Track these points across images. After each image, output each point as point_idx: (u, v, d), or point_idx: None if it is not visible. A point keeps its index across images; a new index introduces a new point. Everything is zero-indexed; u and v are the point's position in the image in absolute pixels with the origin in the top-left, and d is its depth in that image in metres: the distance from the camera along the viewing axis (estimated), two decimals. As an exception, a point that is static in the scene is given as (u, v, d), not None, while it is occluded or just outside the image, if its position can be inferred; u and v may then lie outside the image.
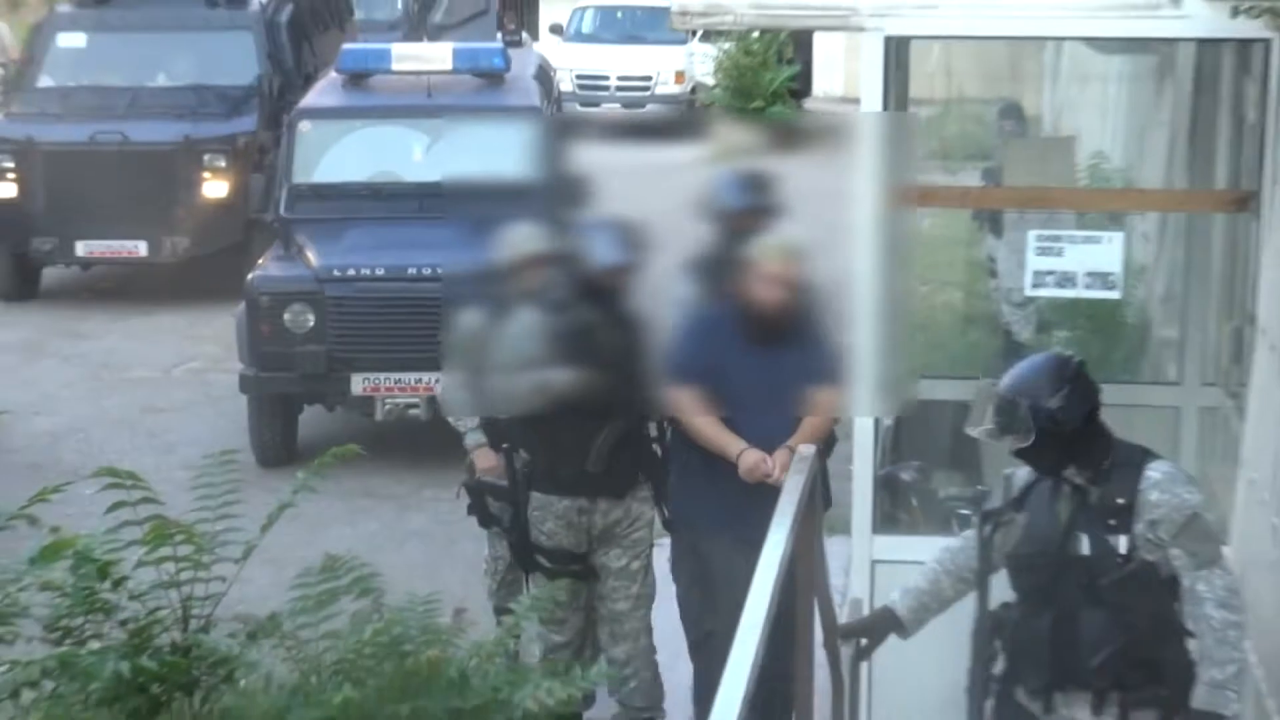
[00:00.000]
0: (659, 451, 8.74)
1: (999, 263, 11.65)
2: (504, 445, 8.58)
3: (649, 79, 30.83)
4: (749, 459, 7.71)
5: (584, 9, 33.80)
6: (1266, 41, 7.13)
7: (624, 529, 8.44)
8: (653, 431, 8.73)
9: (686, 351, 7.78)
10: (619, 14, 32.83)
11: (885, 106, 8.05)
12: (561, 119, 14.64)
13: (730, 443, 7.83)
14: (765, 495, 6.93)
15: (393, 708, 6.01)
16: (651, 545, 8.68)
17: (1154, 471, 6.19)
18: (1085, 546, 6.25)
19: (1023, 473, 6.50)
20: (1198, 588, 6.06)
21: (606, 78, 30.74)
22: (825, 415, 7.93)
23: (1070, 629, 6.23)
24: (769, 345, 7.69)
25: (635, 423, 8.37)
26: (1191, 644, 6.11)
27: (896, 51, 7.99)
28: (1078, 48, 10.40)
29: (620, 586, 8.44)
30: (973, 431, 6.40)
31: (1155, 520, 6.08)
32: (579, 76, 29.84)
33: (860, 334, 7.17)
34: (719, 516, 8.00)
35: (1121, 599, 6.16)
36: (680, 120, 31.08)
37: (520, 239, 8.50)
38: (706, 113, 29.98)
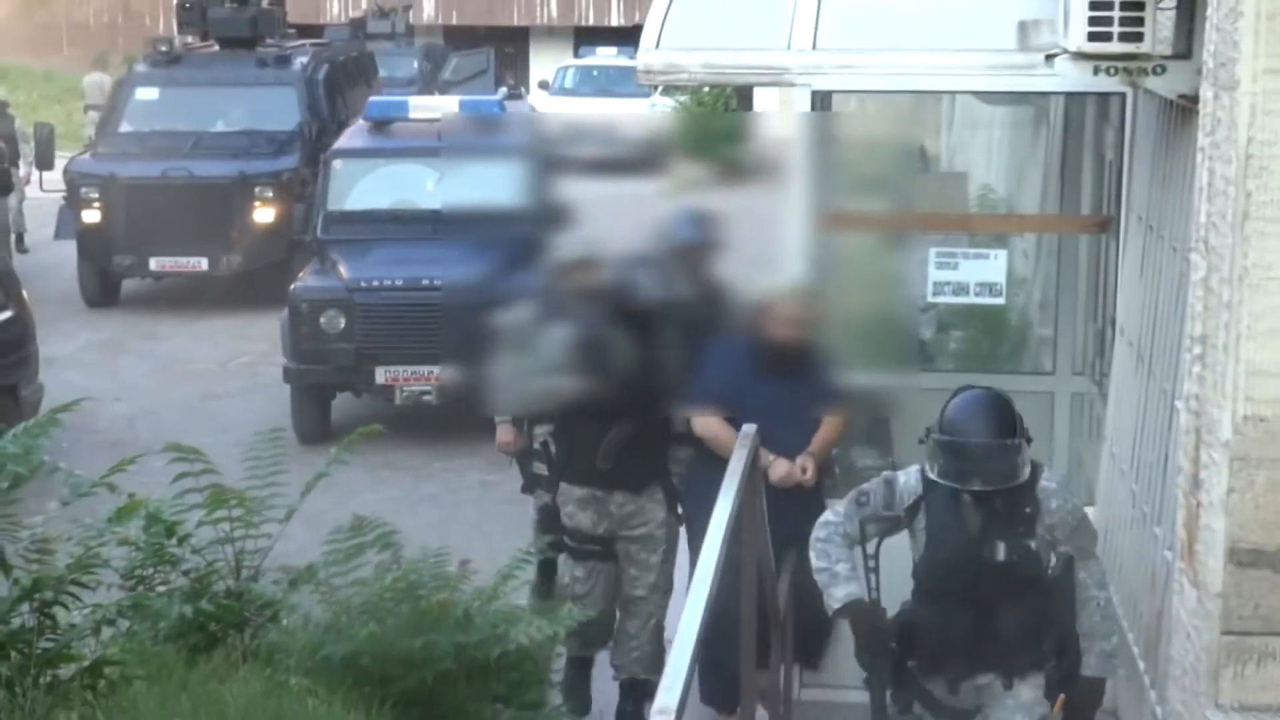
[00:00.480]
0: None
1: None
2: (538, 438, 8.07)
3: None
4: (781, 468, 7.27)
5: (566, 68, 34.22)
6: (1122, 95, 7.14)
7: (638, 522, 7.73)
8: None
9: (710, 379, 7.37)
10: (594, 72, 33.10)
11: (814, 145, 8.03)
12: (547, 158, 14.60)
13: (760, 455, 6.90)
14: (790, 497, 7.12)
15: (408, 641, 5.99)
16: (670, 544, 7.84)
17: (1049, 482, 5.99)
18: (1002, 553, 5.96)
19: (910, 481, 6.16)
20: (1082, 576, 5.97)
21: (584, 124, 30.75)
22: (834, 426, 7.55)
23: (989, 624, 6.00)
24: (783, 375, 7.23)
25: (644, 427, 7.71)
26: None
27: (821, 103, 7.96)
28: (969, 100, 10.39)
29: (638, 576, 7.78)
30: (976, 488, 5.89)
31: (1053, 524, 5.90)
32: (563, 123, 29.77)
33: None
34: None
35: (1040, 594, 5.97)
36: (645, 157, 31.16)
37: (578, 242, 8.15)
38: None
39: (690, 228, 7.28)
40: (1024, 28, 7.43)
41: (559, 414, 7.66)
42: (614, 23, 38.33)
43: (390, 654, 5.93)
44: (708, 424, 7.44)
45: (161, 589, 6.28)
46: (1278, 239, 4.57)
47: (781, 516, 6.76)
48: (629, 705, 7.92)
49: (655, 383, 7.37)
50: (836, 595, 6.18)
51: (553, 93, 32.75)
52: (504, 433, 8.54)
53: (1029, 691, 6.07)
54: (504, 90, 19.58)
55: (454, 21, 38.83)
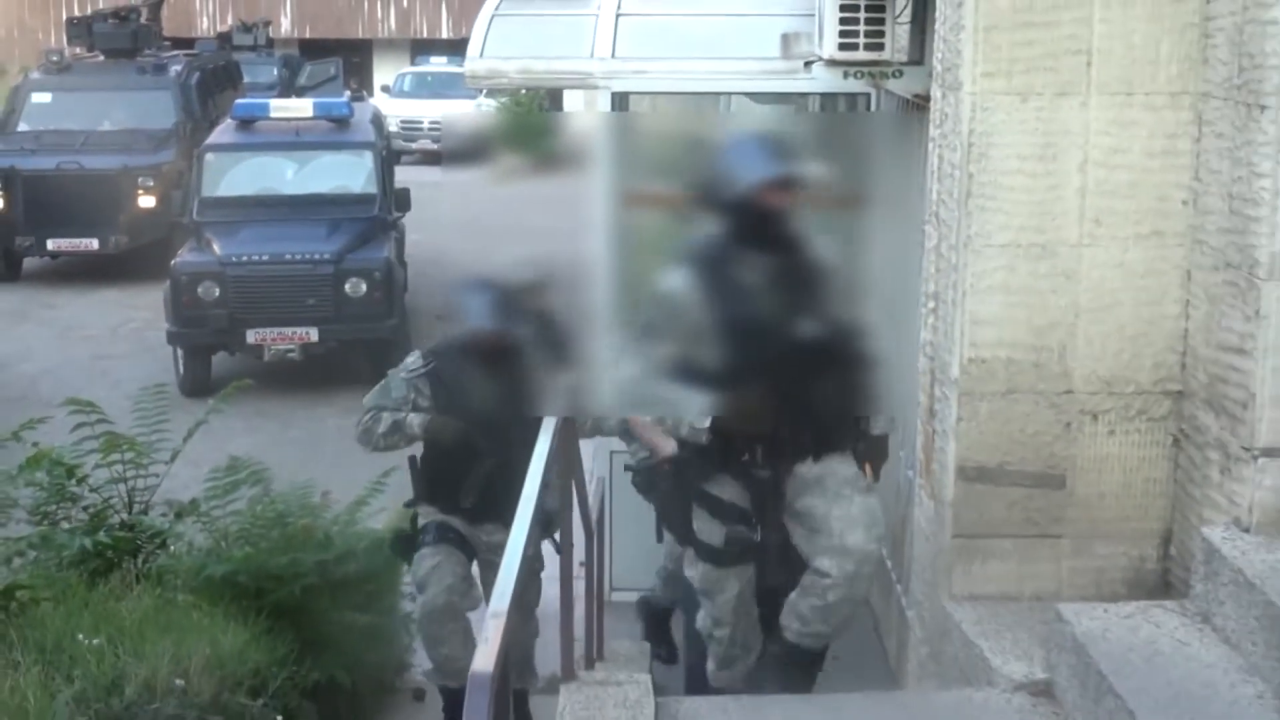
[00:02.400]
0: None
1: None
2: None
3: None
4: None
5: (404, 74, 34.00)
6: (868, 94, 7.23)
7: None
8: None
9: None
10: (428, 78, 32.85)
11: (615, 138, 8.05)
12: (378, 150, 14.73)
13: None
14: None
15: (278, 560, 5.97)
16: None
17: None
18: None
19: None
20: None
21: (420, 122, 30.79)
22: None
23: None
24: None
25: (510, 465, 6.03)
26: None
27: (620, 103, 7.99)
28: (741, 99, 10.46)
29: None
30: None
31: None
32: (402, 122, 29.80)
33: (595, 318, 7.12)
34: None
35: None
36: (472, 150, 31.02)
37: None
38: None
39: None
40: (786, 39, 7.50)
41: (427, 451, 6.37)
42: (445, 35, 37.99)
43: (263, 572, 5.91)
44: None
45: (64, 524, 6.22)
46: (994, 213, 4.65)
47: None
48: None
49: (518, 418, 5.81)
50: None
51: (393, 95, 32.57)
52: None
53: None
54: (349, 93, 19.40)
55: (308, 35, 38.31)
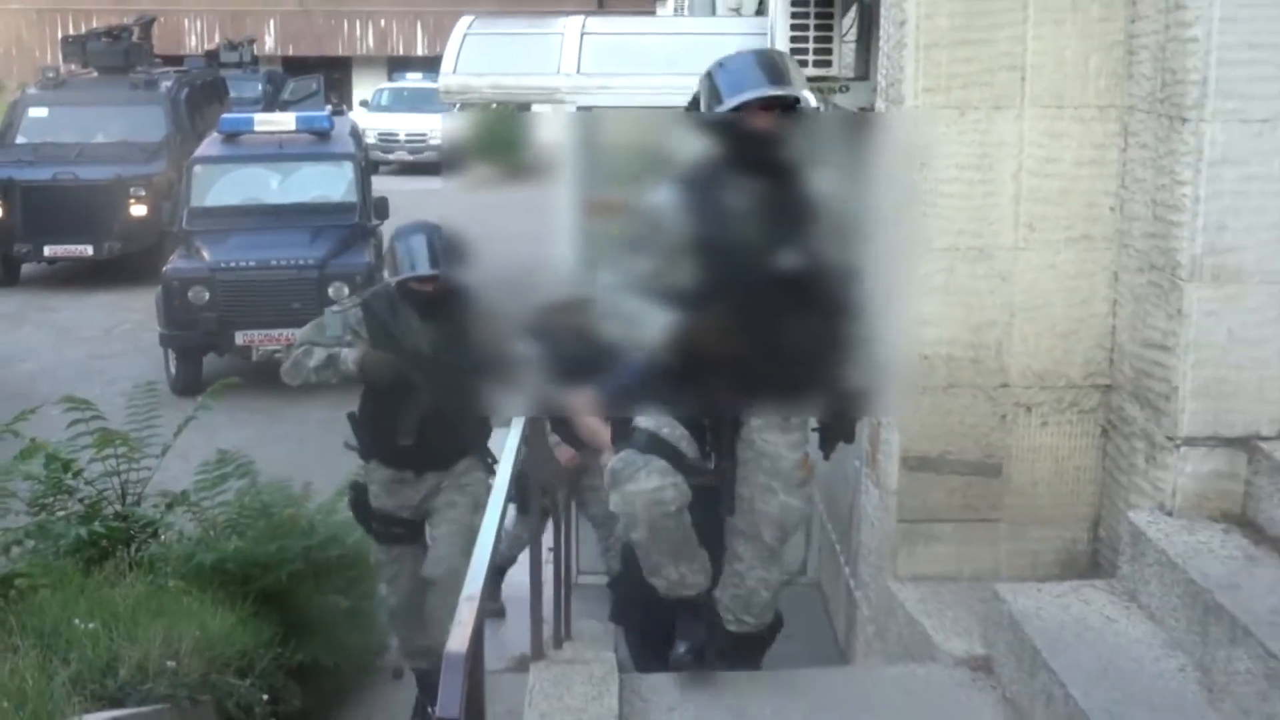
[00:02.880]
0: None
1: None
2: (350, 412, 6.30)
3: (425, 134, 31.07)
4: None
5: (382, 90, 33.93)
6: (817, 108, 7.23)
7: (452, 480, 6.09)
8: None
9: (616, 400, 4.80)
10: (405, 93, 32.75)
11: (579, 149, 8.04)
12: (358, 161, 14.68)
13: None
14: None
15: (264, 548, 5.96)
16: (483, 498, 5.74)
17: None
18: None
19: None
20: None
21: (397, 134, 30.85)
22: None
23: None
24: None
25: (445, 407, 5.88)
26: None
27: (588, 116, 8.02)
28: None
29: (445, 517, 6.08)
30: None
31: None
32: (380, 134, 29.81)
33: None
34: None
35: None
36: (446, 160, 31.04)
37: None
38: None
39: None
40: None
41: (367, 388, 6.14)
42: (420, 53, 37.85)
43: (250, 559, 5.89)
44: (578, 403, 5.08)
45: (61, 514, 6.18)
46: (934, 219, 4.67)
47: None
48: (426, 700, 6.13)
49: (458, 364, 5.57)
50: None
51: (371, 110, 32.50)
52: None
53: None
54: (329, 108, 19.35)
55: (290, 53, 38.14)
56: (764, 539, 4.46)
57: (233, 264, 13.15)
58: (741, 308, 4.00)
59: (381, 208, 14.57)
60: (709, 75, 4.30)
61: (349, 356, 5.94)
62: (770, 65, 4.26)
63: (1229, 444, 4.25)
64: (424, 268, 5.90)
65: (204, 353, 13.31)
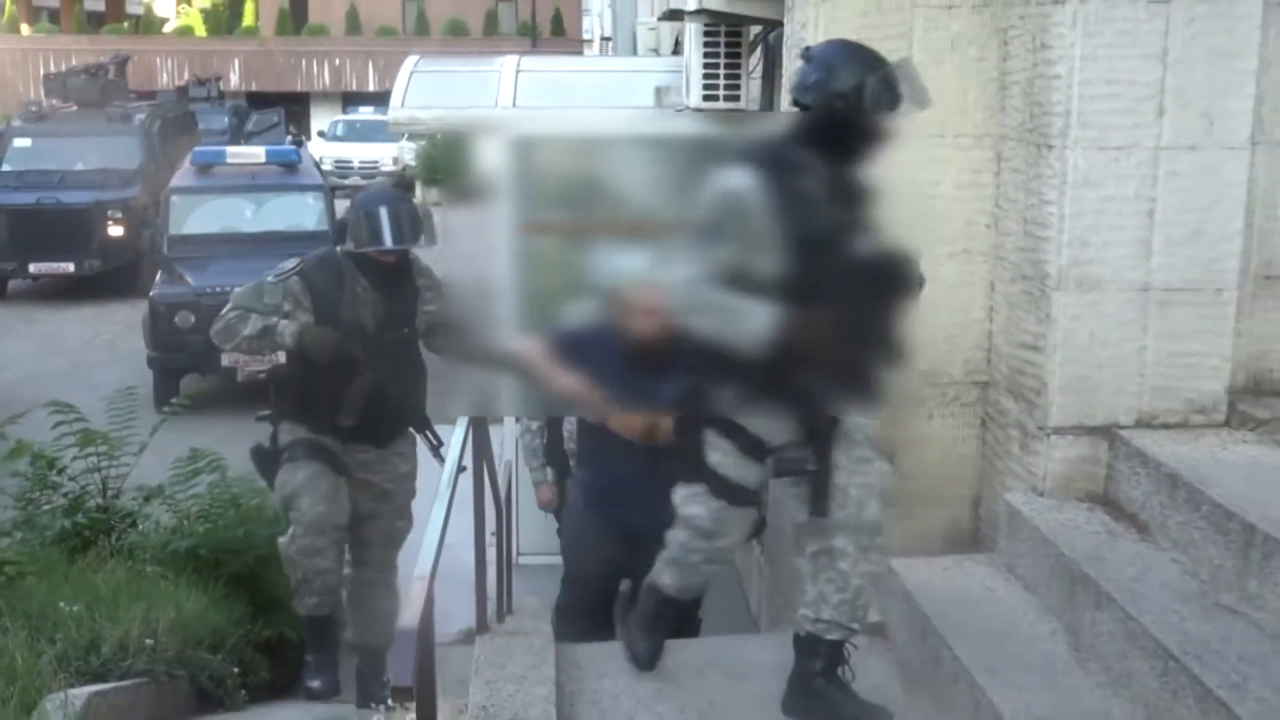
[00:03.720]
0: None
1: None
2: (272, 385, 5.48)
3: (377, 162, 31.16)
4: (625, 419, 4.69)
5: (338, 121, 33.82)
6: (728, 137, 7.27)
7: (382, 468, 5.32)
8: None
9: (568, 355, 4.44)
10: (358, 124, 32.61)
11: (514, 175, 8.04)
12: (326, 191, 14.43)
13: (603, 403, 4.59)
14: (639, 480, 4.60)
15: (233, 534, 5.88)
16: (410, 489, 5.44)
17: None
18: None
19: None
20: None
21: (352, 162, 30.76)
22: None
23: None
24: (646, 371, 4.40)
25: (389, 384, 5.15)
26: None
27: (522, 145, 7.99)
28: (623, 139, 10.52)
29: (379, 520, 5.37)
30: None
31: None
32: (336, 161, 29.68)
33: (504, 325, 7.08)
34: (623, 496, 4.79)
35: None
36: (398, 185, 31.01)
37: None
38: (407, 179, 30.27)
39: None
40: (659, 91, 7.53)
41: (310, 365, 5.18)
42: (371, 88, 37.60)
43: (221, 545, 5.83)
44: (535, 354, 4.43)
45: (46, 508, 6.08)
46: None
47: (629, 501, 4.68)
48: (364, 668, 5.53)
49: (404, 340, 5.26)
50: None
51: (327, 139, 32.37)
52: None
53: None
54: (289, 138, 19.17)
55: (253, 88, 37.79)
56: (866, 518, 3.76)
57: (218, 289, 12.19)
58: (841, 301, 3.50)
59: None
60: (811, 59, 3.61)
61: (286, 330, 5.08)
62: (872, 58, 3.61)
63: (1092, 432, 4.31)
64: (389, 241, 5.10)
65: (187, 373, 12.81)
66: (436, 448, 5.27)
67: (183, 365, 12.67)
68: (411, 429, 5.41)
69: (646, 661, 4.17)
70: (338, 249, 5.29)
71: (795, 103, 3.58)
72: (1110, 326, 4.23)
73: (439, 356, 5.26)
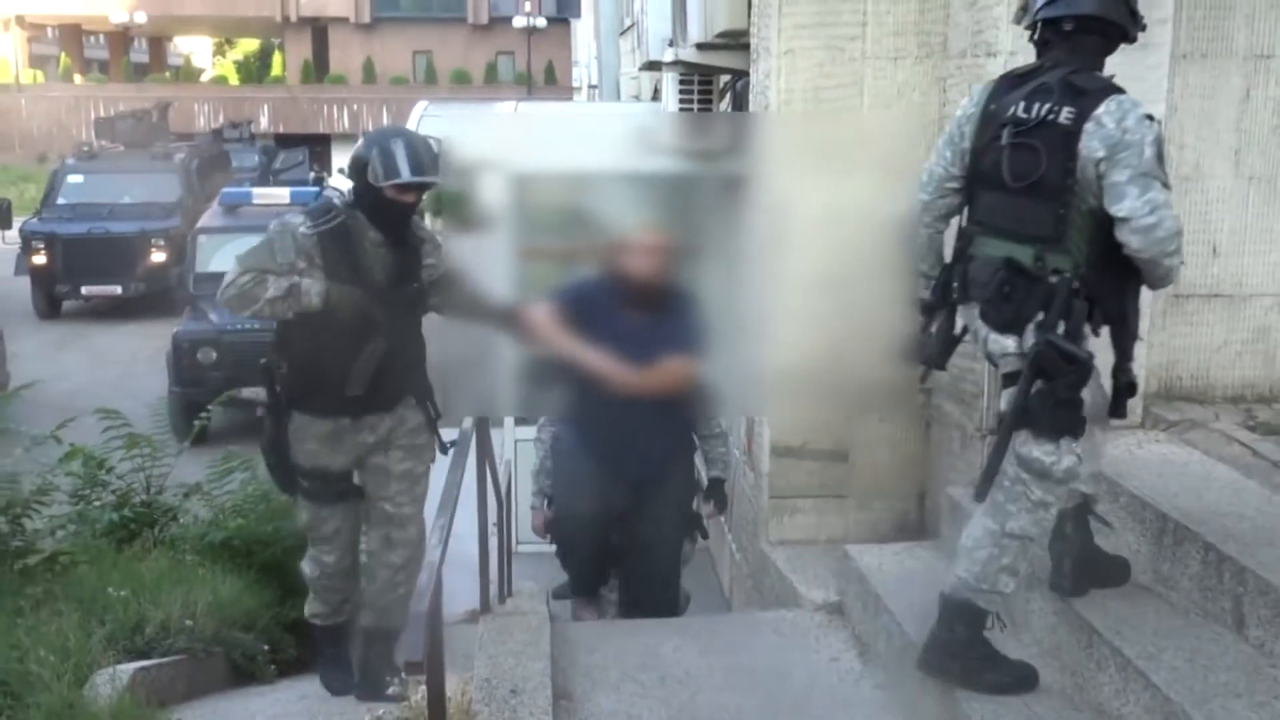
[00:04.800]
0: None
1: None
2: (263, 360, 4.42)
3: (392, 195, 30.98)
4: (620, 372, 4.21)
5: (356, 159, 33.61)
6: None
7: (401, 434, 4.34)
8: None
9: (571, 297, 4.35)
10: (375, 162, 32.48)
11: (513, 207, 8.05)
12: None
13: (597, 358, 4.21)
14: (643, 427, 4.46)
15: (264, 528, 5.82)
16: (433, 454, 4.48)
17: None
18: None
19: None
20: None
21: (369, 195, 30.64)
22: (674, 377, 4.28)
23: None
24: (645, 315, 4.32)
25: (399, 345, 4.28)
26: None
27: (520, 181, 7.99)
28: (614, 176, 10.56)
29: (404, 489, 4.33)
30: None
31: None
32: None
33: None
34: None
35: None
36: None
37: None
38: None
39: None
40: (641, 132, 7.52)
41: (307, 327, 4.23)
42: (386, 130, 37.65)
43: (252, 537, 5.77)
44: (548, 321, 4.26)
45: (97, 503, 6.02)
46: (799, 261, 4.68)
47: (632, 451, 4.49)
48: (372, 655, 4.57)
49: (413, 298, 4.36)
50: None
51: (347, 175, 32.25)
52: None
53: None
54: (313, 175, 19.09)
55: (281, 130, 37.74)
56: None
57: (239, 326, 11.73)
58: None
59: None
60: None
61: (312, 289, 4.11)
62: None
63: (1024, 433, 4.30)
64: (406, 173, 4.15)
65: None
66: (430, 411, 4.39)
67: (205, 400, 12.33)
68: (412, 396, 4.41)
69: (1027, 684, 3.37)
70: (338, 202, 4.38)
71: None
72: (1039, 339, 4.23)
73: (440, 314, 4.44)
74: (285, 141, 33.11)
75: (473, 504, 4.71)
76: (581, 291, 4.40)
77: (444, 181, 4.25)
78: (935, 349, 3.43)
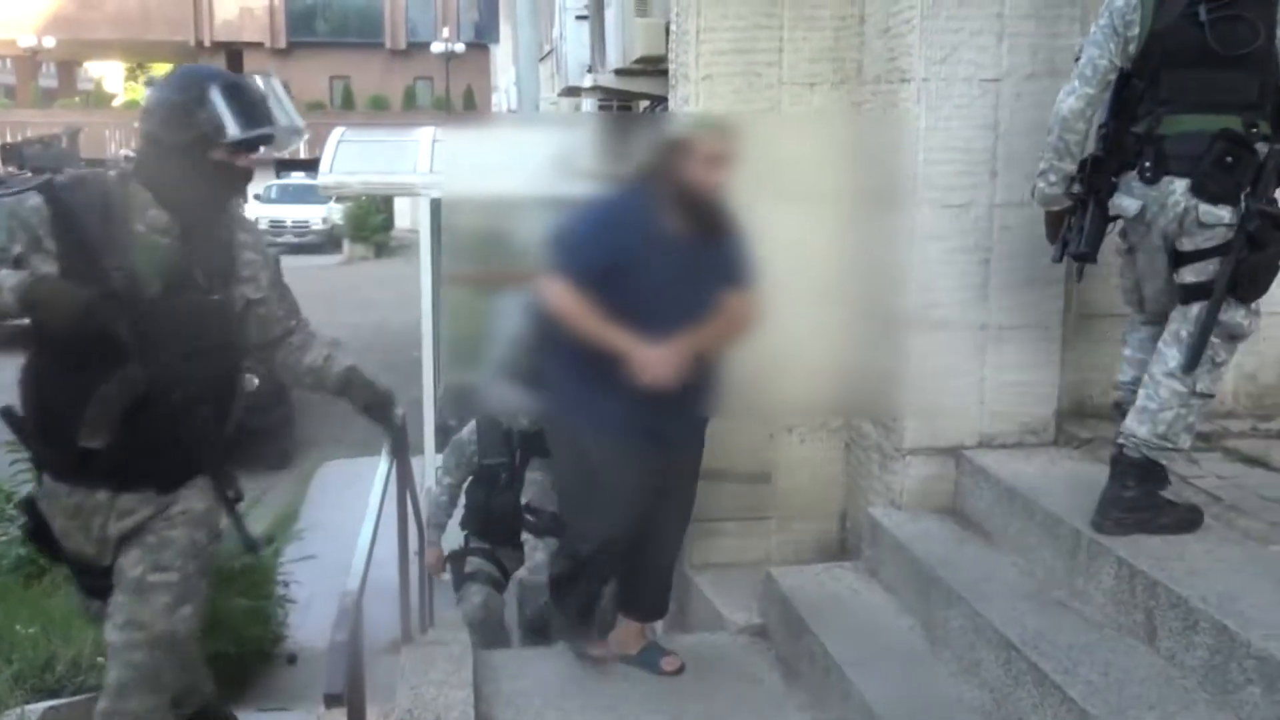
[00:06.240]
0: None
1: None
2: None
3: (308, 221, 30.93)
4: (651, 357, 3.52)
5: (272, 185, 33.40)
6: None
7: (154, 526, 3.03)
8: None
9: (592, 243, 3.62)
10: (290, 188, 32.32)
11: (433, 236, 8.01)
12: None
13: (623, 340, 3.53)
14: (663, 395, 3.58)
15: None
16: (196, 556, 3.08)
17: None
18: None
19: None
20: None
21: (285, 221, 30.56)
22: (739, 317, 3.73)
23: None
24: (694, 239, 3.60)
25: (170, 383, 2.94)
26: None
27: (438, 205, 7.93)
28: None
29: (123, 604, 2.96)
30: None
31: None
32: (271, 221, 29.40)
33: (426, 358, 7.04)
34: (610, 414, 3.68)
35: None
36: (327, 242, 30.67)
37: None
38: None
39: None
40: (560, 158, 7.52)
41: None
42: (303, 156, 37.09)
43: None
44: (565, 299, 3.57)
45: (3, 538, 5.86)
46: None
47: (642, 417, 3.64)
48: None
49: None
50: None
51: (263, 201, 31.92)
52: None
53: None
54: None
55: (196, 156, 37.21)
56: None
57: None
58: None
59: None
60: None
61: (7, 280, 2.82)
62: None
63: (941, 453, 4.37)
64: (236, 128, 2.96)
65: None
66: (233, 501, 3.18)
67: None
68: (204, 472, 3.11)
69: None
70: (112, 173, 3.06)
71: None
72: (954, 362, 4.30)
73: (260, 363, 3.31)
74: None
75: (393, 532, 4.64)
76: (615, 209, 3.68)
77: (284, 131, 3.10)
78: (1090, 240, 3.51)
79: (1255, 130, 3.24)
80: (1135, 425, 3.48)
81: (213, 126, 2.97)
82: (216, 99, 2.97)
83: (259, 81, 3.10)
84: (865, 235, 4.61)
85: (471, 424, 5.59)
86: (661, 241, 3.61)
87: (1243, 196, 3.24)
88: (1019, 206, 4.20)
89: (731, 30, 4.53)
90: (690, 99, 4.70)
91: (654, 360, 3.53)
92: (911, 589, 4.02)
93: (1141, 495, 3.48)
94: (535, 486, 4.94)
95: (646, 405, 3.58)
